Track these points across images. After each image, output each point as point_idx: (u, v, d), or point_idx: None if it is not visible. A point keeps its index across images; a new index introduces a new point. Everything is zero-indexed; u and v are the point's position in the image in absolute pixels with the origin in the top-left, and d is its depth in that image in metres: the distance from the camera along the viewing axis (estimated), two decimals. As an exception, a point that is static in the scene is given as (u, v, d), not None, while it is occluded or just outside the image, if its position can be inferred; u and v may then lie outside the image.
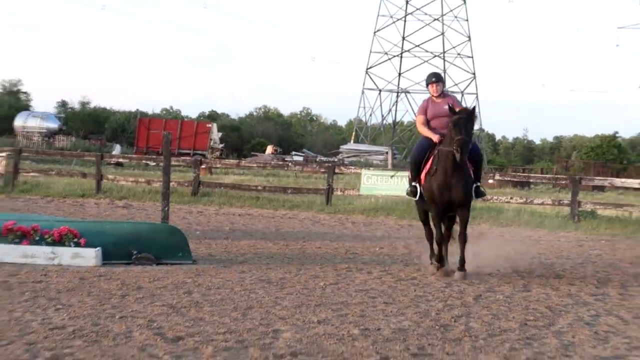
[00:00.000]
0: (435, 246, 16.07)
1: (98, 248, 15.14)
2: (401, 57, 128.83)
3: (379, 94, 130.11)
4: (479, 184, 15.60)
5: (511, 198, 33.00)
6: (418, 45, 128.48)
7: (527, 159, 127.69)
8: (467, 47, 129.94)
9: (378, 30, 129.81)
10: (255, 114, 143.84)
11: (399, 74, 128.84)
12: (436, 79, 15.93)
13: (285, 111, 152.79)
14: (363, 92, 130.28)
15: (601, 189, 49.63)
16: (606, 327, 11.46)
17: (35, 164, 45.59)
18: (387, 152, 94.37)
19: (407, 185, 16.75)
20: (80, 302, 11.59)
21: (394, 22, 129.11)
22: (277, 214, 29.29)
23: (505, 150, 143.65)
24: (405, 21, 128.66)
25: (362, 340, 9.97)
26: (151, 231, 16.51)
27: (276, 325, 10.56)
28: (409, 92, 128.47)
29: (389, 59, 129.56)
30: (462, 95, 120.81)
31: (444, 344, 9.98)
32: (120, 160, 52.88)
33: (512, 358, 9.43)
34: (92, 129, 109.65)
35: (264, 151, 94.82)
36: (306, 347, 9.46)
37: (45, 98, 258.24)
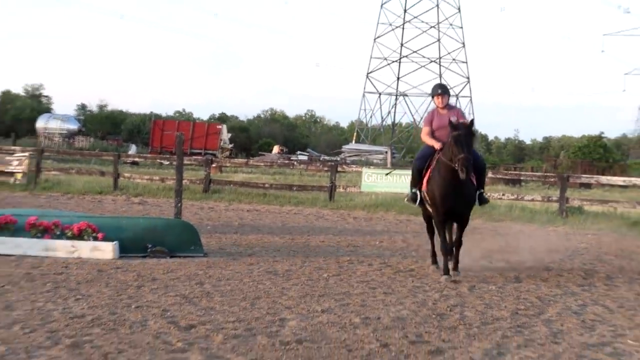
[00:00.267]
0: (437, 245, 15.11)
1: (115, 242, 15.16)
2: (400, 62, 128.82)
3: (379, 97, 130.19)
4: (482, 190, 14.87)
5: (503, 195, 32.94)
6: (415, 51, 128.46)
7: (518, 158, 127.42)
8: (461, 53, 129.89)
9: (378, 37, 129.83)
10: (262, 116, 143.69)
11: (398, 78, 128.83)
12: (442, 91, 15.16)
13: (291, 113, 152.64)
14: (364, 95, 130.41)
15: (588, 186, 49.51)
16: (593, 316, 11.46)
17: (56, 163, 45.54)
18: (386, 152, 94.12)
19: (407, 188, 15.94)
20: (99, 292, 11.61)
21: (393, 30, 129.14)
22: (283, 210, 29.27)
23: (498, 149, 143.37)
24: (403, 29, 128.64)
25: (363, 328, 9.98)
26: (165, 226, 16.53)
27: (282, 314, 10.57)
28: (407, 95, 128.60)
29: (388, 64, 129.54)
30: (457, 98, 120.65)
31: (440, 332, 9.99)
32: (136, 159, 52.86)
33: (504, 345, 9.43)
34: (110, 130, 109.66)
35: (270, 151, 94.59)
36: (311, 334, 9.47)
37: (66, 101, 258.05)
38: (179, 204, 17.62)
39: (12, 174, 34.35)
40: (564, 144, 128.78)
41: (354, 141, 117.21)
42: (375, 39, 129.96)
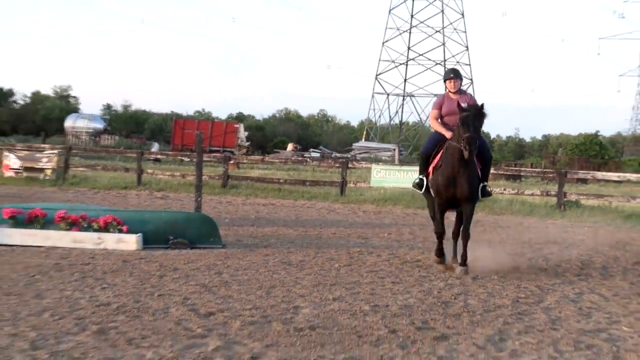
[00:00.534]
0: (445, 246, 14.59)
1: (139, 234, 15.17)
2: (407, 65, 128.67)
3: (387, 97, 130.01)
4: (485, 183, 14.13)
5: (504, 189, 32.89)
6: (422, 54, 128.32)
7: (518, 155, 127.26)
8: (465, 55, 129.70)
9: (386, 41, 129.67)
10: (277, 115, 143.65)
11: (405, 80, 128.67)
12: (454, 75, 14.38)
13: (304, 113, 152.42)
14: (373, 96, 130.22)
15: (584, 181, 49.41)
16: (589, 304, 11.43)
17: (83, 160, 45.65)
18: (394, 149, 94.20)
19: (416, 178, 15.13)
20: (124, 281, 11.62)
21: (400, 34, 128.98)
22: (297, 204, 29.26)
23: (499, 147, 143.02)
24: (410, 33, 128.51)
25: (373, 315, 9.97)
26: (186, 219, 16.54)
27: (296, 302, 10.56)
28: (413, 96, 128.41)
29: (396, 66, 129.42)
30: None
31: (445, 319, 9.97)
32: (159, 156, 53.00)
33: (505, 331, 9.41)
34: (133, 129, 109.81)
35: (285, 148, 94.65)
36: (323, 321, 9.46)
37: (92, 102, 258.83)
38: (199, 199, 17.64)
39: (42, 170, 34.49)
40: (562, 142, 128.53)
41: (363, 139, 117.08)
42: (383, 43, 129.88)
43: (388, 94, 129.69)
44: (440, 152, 13.92)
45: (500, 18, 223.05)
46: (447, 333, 9.18)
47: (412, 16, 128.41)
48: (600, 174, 41.12)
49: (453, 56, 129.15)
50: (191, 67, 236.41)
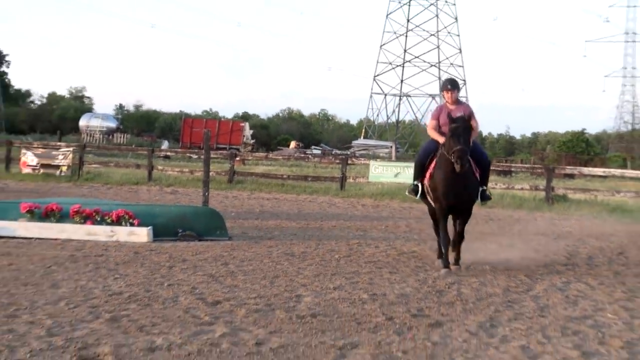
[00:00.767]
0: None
1: (149, 227, 15.18)
2: (403, 66, 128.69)
3: (385, 97, 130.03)
4: (485, 187, 13.30)
5: (496, 184, 32.83)
6: (417, 57, 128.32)
7: (509, 151, 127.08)
8: (458, 58, 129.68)
9: (384, 44, 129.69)
10: (280, 114, 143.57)
11: (401, 81, 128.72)
12: (452, 86, 13.37)
13: (306, 112, 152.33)
14: (371, 96, 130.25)
15: (571, 176, 49.34)
16: (575, 292, 11.44)
17: (97, 157, 45.63)
18: (391, 146, 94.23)
19: (410, 179, 14.74)
20: (135, 272, 11.62)
21: (397, 38, 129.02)
22: (299, 198, 29.27)
23: (491, 144, 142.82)
24: (406, 36, 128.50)
25: (371, 303, 9.97)
26: (194, 213, 16.56)
27: (298, 291, 10.57)
28: (409, 96, 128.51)
29: (393, 68, 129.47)
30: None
31: (439, 307, 9.97)
32: (168, 153, 52.96)
33: (496, 318, 9.42)
34: (144, 128, 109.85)
35: (288, 146, 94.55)
36: (324, 309, 9.46)
37: (105, 102, 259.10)
38: (207, 193, 17.64)
39: (58, 167, 34.52)
40: (550, 139, 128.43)
41: (362, 137, 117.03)
42: (381, 46, 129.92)
43: (385, 94, 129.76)
44: (435, 160, 13.09)
45: (492, 22, 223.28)
46: (442, 320, 9.18)
47: (408, 20, 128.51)
48: (586, 170, 41.29)
49: (447, 58, 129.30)
50: (199, 69, 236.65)
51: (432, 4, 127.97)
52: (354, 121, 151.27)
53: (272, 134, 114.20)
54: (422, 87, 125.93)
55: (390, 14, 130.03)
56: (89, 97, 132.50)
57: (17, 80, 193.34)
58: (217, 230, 16.07)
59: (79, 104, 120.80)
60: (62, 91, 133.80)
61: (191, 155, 51.18)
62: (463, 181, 12.61)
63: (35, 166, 34.48)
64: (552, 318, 9.56)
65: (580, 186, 38.21)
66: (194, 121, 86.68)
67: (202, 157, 20.04)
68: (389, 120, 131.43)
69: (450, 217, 13.49)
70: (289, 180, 34.97)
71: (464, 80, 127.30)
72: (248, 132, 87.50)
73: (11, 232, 14.84)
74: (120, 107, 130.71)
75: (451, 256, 13.08)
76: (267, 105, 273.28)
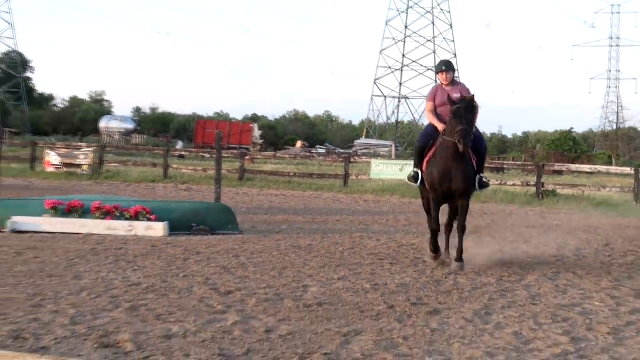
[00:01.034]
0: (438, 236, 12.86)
1: (166, 222, 15.19)
2: (402, 70, 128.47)
3: (385, 100, 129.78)
4: (482, 175, 12.49)
5: (489, 180, 32.89)
6: (415, 61, 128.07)
7: (501, 149, 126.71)
8: (453, 62, 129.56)
9: (383, 50, 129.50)
10: (287, 116, 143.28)
11: (400, 84, 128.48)
12: (446, 67, 12.63)
13: (311, 113, 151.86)
14: (372, 99, 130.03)
15: (560, 173, 49.30)
16: (565, 281, 11.42)
17: (116, 156, 45.67)
18: (391, 146, 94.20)
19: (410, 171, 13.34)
20: (152, 264, 11.62)
21: (396, 43, 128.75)
22: (305, 195, 29.29)
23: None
24: (404, 42, 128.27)
25: (373, 292, 9.97)
26: (207, 209, 16.57)
27: (305, 282, 10.56)
28: (408, 98, 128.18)
29: (392, 72, 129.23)
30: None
31: (437, 296, 9.97)
32: (183, 153, 53.02)
33: (491, 306, 9.41)
34: (160, 129, 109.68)
35: (294, 145, 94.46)
36: (329, 298, 9.46)
37: (124, 105, 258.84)
38: (219, 190, 17.64)
39: (79, 166, 34.61)
40: (540, 138, 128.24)
41: (364, 137, 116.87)
42: (381, 51, 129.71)
43: (385, 97, 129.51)
44: (435, 146, 12.27)
45: (485, 29, 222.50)
46: (439, 308, 9.17)
47: (406, 27, 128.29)
48: (574, 166, 41.31)
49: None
50: (211, 74, 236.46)
51: (428, 12, 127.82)
52: (356, 122, 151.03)
53: (279, 134, 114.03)
54: (420, 90, 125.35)
55: (389, 21, 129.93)
56: (108, 101, 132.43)
57: (41, 85, 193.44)
58: (228, 224, 16.08)
59: (99, 107, 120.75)
60: (83, 95, 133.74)
61: (204, 154, 51.13)
62: (460, 167, 11.88)
63: (59, 165, 34.56)
64: (543, 306, 9.55)
65: (568, 182, 38.22)
66: (207, 122, 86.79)
67: (215, 156, 20.03)
68: (389, 121, 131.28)
69: (449, 213, 13.04)
70: (295, 178, 34.99)
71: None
72: (257, 132, 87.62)
73: (36, 227, 14.86)
74: (138, 109, 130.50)
75: (453, 251, 12.56)
76: (274, 108, 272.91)
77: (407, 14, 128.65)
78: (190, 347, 7.05)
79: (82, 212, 15.25)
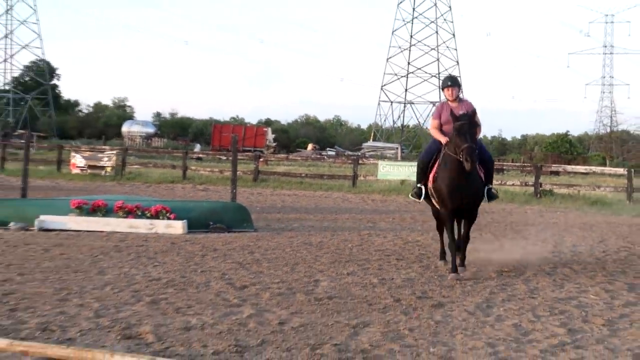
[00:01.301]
0: (445, 243, 11.98)
1: (184, 220, 15.20)
2: (407, 77, 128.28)
3: (391, 105, 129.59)
4: (490, 186, 11.67)
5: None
6: (419, 69, 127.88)
7: (501, 151, 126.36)
8: (455, 69, 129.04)
9: (390, 58, 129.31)
10: (299, 120, 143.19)
11: (406, 90, 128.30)
12: (452, 83, 11.76)
13: (322, 118, 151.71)
14: (379, 104, 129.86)
15: (557, 173, 49.10)
16: (562, 276, 11.39)
17: (137, 159, 45.73)
18: (397, 148, 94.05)
19: (414, 176, 12.80)
20: (172, 260, 11.64)
21: (401, 52, 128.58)
22: (316, 194, 29.27)
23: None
24: (410, 51, 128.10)
25: (380, 287, 9.96)
26: (223, 208, 16.59)
27: (316, 277, 10.56)
28: (413, 104, 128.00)
29: (398, 78, 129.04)
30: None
31: (441, 290, 9.96)
32: (200, 155, 53.08)
33: (491, 299, 9.39)
34: (179, 133, 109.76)
35: (305, 148, 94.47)
36: (339, 292, 9.46)
37: (145, 110, 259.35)
38: (234, 190, 17.66)
39: (103, 167, 34.68)
40: (538, 141, 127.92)
41: (371, 140, 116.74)
42: (387, 59, 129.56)
43: (392, 102, 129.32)
44: (438, 161, 11.40)
45: (485, 37, 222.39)
46: (443, 301, 9.17)
47: (411, 36, 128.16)
48: (570, 167, 41.32)
49: (446, 69, 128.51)
50: (227, 81, 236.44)
51: (432, 22, 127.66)
52: (364, 126, 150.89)
53: (291, 137, 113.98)
54: (424, 95, 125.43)
55: (395, 31, 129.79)
56: (130, 106, 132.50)
57: (67, 91, 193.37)
58: (244, 222, 16.09)
59: (122, 112, 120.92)
60: (107, 101, 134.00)
61: (220, 157, 51.20)
62: (468, 182, 10.97)
63: (83, 167, 34.65)
64: (541, 299, 9.53)
65: (564, 182, 38.11)
66: (223, 127, 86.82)
67: (230, 158, 20.09)
68: (395, 125, 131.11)
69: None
70: (306, 179, 34.97)
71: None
72: (270, 136, 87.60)
73: (63, 226, 14.90)
74: (158, 114, 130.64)
75: (457, 258, 11.36)
76: (287, 112, 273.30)
77: (412, 23, 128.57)
78: (208, 338, 7.06)
79: (105, 211, 15.29)
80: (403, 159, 63.16)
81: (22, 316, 7.67)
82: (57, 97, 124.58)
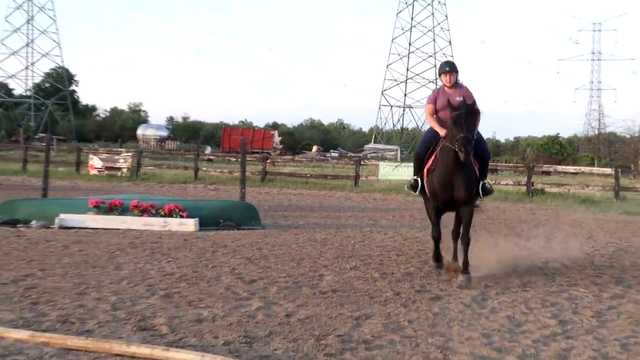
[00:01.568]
0: (442, 248, 11.42)
1: (196, 218, 15.20)
2: (406, 82, 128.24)
3: (391, 109, 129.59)
4: (485, 181, 10.77)
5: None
6: (418, 74, 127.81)
7: (495, 153, 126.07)
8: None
9: (390, 64, 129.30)
10: (304, 123, 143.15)
11: (405, 95, 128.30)
12: (450, 68, 10.81)
13: (325, 121, 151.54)
14: (380, 108, 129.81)
15: (548, 173, 49.07)
16: (553, 270, 11.41)
17: (151, 160, 45.69)
18: (397, 150, 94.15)
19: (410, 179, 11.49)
20: (184, 256, 11.64)
21: (400, 58, 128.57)
22: (320, 194, 29.27)
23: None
24: (408, 57, 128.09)
25: (381, 281, 9.96)
26: (233, 206, 16.59)
27: (321, 271, 10.56)
28: (412, 107, 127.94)
29: (398, 84, 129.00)
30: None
31: (439, 284, 9.96)
32: (211, 157, 53.05)
33: (486, 292, 9.39)
34: (191, 135, 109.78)
35: (310, 149, 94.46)
36: (342, 286, 9.46)
37: (158, 114, 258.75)
38: (243, 190, 17.68)
39: (119, 169, 34.71)
40: (530, 142, 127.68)
41: (372, 142, 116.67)
42: (387, 66, 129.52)
43: (392, 106, 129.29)
44: (435, 153, 10.56)
45: (480, 45, 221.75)
46: (441, 294, 9.17)
47: (410, 44, 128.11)
48: (560, 168, 41.34)
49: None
50: (236, 86, 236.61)
51: (430, 30, 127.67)
52: (365, 129, 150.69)
53: (297, 139, 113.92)
54: (422, 100, 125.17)
55: (395, 39, 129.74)
56: (144, 111, 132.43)
57: (85, 97, 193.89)
58: (252, 220, 16.09)
59: (137, 117, 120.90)
60: (123, 106, 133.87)
61: (230, 158, 51.21)
62: (461, 174, 10.07)
63: (101, 168, 34.69)
64: (534, 292, 9.53)
65: (555, 181, 38.11)
66: (232, 130, 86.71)
67: (239, 160, 20.06)
68: (395, 128, 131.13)
69: (455, 220, 11.24)
70: (311, 179, 34.98)
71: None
72: (277, 138, 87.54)
73: (81, 224, 14.91)
74: (171, 118, 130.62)
75: (460, 258, 10.58)
76: (292, 116, 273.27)
77: (410, 32, 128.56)
78: (219, 329, 7.06)
79: (121, 210, 15.30)
80: (402, 160, 63.20)
81: (44, 309, 7.68)
82: (75, 102, 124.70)
